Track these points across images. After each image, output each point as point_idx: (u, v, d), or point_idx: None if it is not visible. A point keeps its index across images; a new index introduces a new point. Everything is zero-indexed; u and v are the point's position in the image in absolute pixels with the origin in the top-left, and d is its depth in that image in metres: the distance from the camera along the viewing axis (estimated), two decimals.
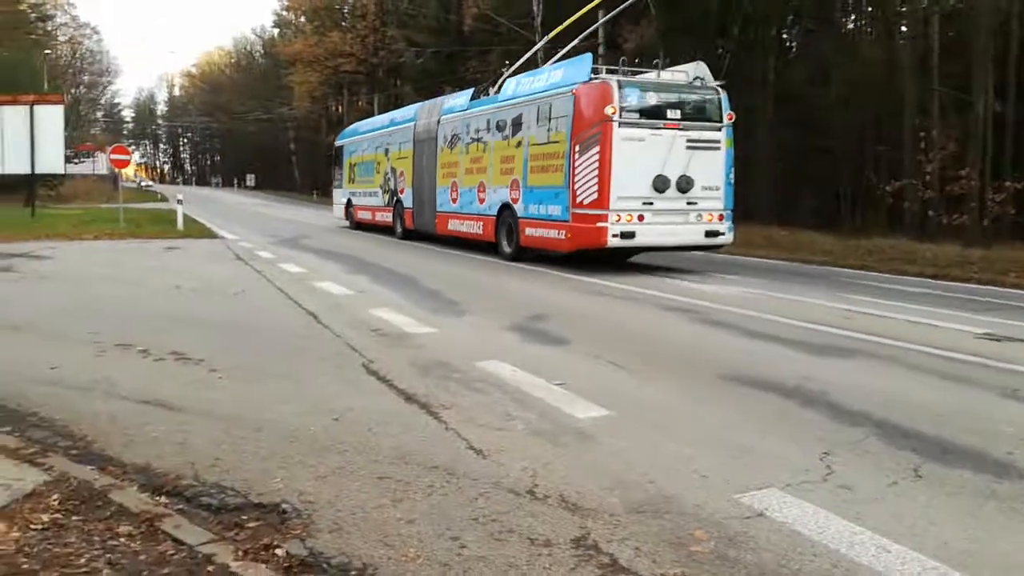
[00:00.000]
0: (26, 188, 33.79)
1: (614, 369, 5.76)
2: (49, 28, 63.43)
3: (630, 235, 11.94)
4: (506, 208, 14.22)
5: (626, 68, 12.63)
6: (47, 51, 59.62)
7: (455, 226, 16.51)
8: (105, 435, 4.19)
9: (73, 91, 65.98)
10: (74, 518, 3.13)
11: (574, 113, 12.25)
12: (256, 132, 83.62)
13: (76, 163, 47.30)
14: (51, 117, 24.04)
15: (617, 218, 11.80)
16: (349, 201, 24.17)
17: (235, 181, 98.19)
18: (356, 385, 5.28)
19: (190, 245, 16.84)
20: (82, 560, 2.78)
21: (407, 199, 19.12)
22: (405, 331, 7.17)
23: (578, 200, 12.09)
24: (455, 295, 9.57)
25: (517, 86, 14.91)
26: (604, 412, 4.60)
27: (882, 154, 23.13)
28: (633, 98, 11.86)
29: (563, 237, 12.58)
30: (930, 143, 19.52)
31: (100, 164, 57.73)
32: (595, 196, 11.83)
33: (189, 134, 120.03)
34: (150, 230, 20.10)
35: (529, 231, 13.52)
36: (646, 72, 12.95)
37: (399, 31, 46.11)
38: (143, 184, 78.11)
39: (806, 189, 27.29)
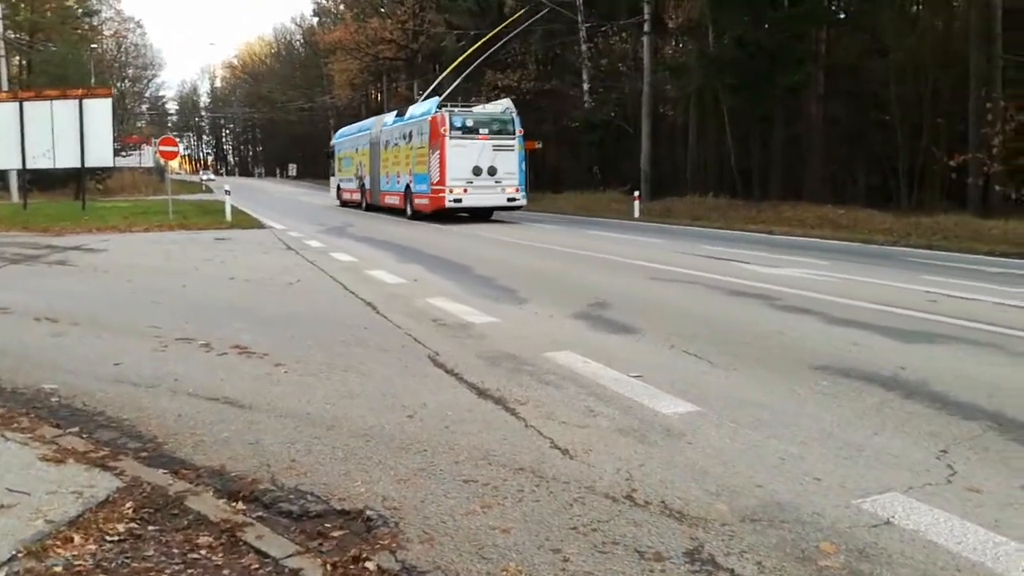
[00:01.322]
0: (75, 181, 34.47)
1: (693, 360, 5.46)
2: (95, 23, 64.50)
3: (459, 200, 20.46)
4: (407, 187, 22.69)
5: (460, 105, 22.04)
6: (93, 46, 60.67)
7: (388, 200, 24.76)
8: (174, 436, 4.05)
9: (119, 85, 67.17)
10: (151, 528, 2.97)
11: (429, 131, 20.94)
12: (297, 121, 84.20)
13: (123, 156, 48.08)
14: (100, 110, 24.27)
15: (451, 191, 20.29)
16: (338, 186, 31.79)
17: (277, 171, 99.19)
18: (424, 379, 5.08)
19: (240, 236, 16.86)
20: None
21: (367, 183, 27.16)
22: (466, 321, 6.96)
23: (432, 181, 20.58)
24: (511, 283, 9.34)
25: (412, 112, 24.01)
26: (691, 407, 4.33)
27: (942, 127, 22.18)
28: (458, 122, 20.50)
29: (427, 203, 21.06)
30: (996, 114, 18.62)
31: (146, 157, 58.65)
32: (439, 179, 20.34)
33: (231, 125, 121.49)
34: (199, 221, 20.22)
35: (416, 200, 22.08)
36: (472, 106, 22.64)
37: (439, 15, 45.77)
38: (205, 178, 75.42)
39: (860, 165, 26.43)
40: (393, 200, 24.05)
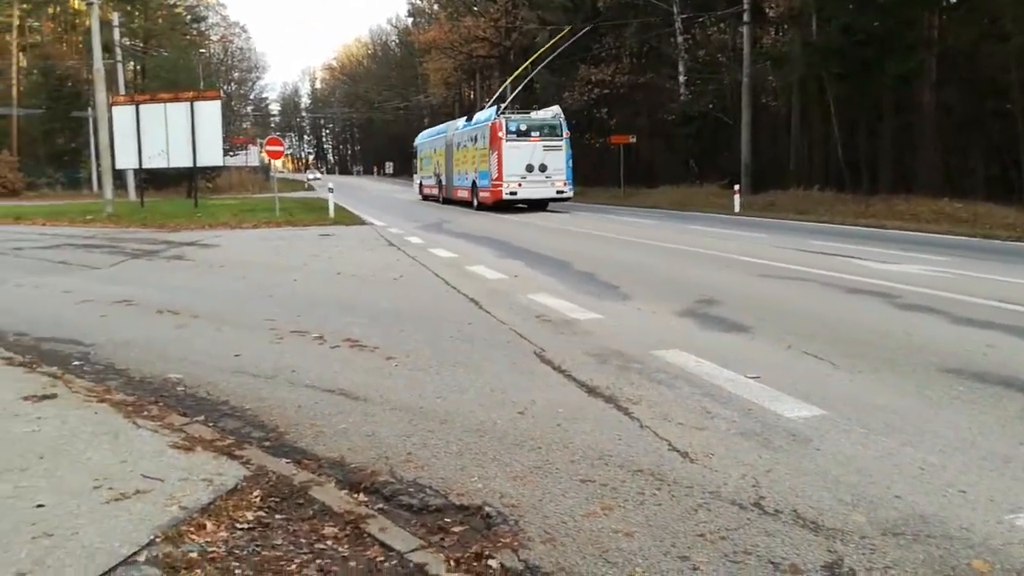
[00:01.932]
0: (187, 180, 36.23)
1: (814, 361, 5.22)
2: (203, 28, 67.67)
3: (514, 193, 23.66)
4: (473, 183, 26.00)
5: (516, 112, 25.15)
6: (202, 50, 63.70)
7: (459, 194, 27.92)
8: (295, 426, 4.15)
9: (225, 87, 70.19)
10: (278, 516, 3.04)
11: (490, 135, 24.14)
12: (393, 120, 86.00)
13: (231, 156, 50.17)
14: (210, 112, 25.44)
15: (507, 185, 23.53)
16: (420, 182, 35.35)
17: (374, 169, 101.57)
18: (532, 375, 5.04)
19: (343, 232, 17.32)
20: (293, 566, 2.66)
21: (443, 180, 30.41)
22: (569, 317, 6.90)
23: (492, 177, 23.88)
24: (613, 279, 9.21)
25: (477, 118, 27.45)
26: (816, 411, 4.13)
27: None
28: (513, 127, 23.79)
29: (489, 196, 24.34)
30: None
31: (252, 156, 61.11)
32: (497, 175, 23.64)
33: (331, 125, 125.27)
34: (304, 218, 20.89)
35: (480, 194, 25.25)
36: (527, 112, 25.63)
37: (531, 12, 45.79)
38: (311, 178, 77.78)
39: (977, 156, 24.86)
40: (463, 194, 27.23)
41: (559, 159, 23.69)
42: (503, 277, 9.62)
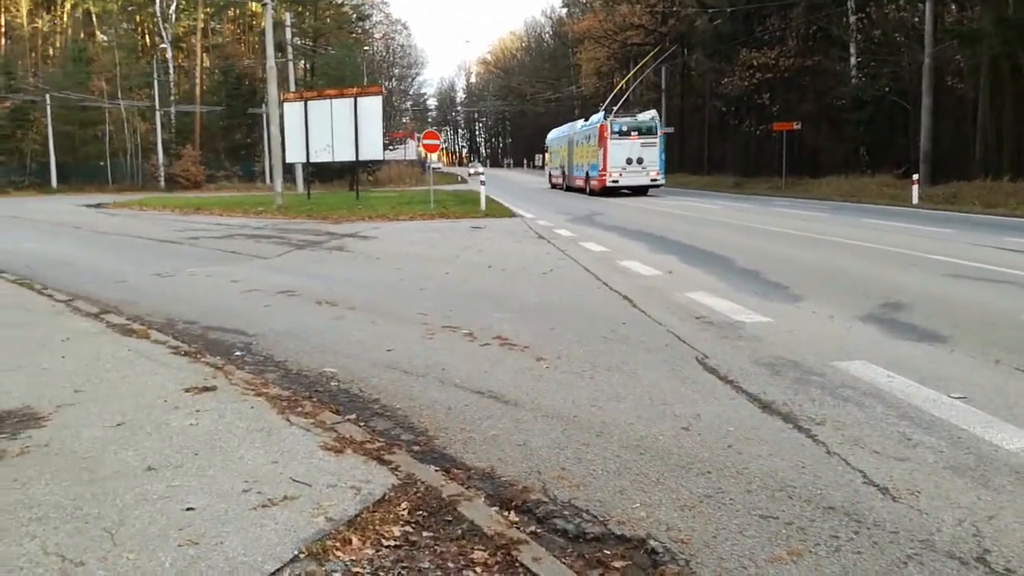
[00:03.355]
0: (350, 173, 37.91)
1: None
2: (367, 27, 70.64)
3: (616, 181, 28.33)
4: (587, 173, 30.88)
5: (619, 115, 29.26)
6: (366, 48, 66.51)
7: (576, 182, 33.17)
8: (444, 430, 3.97)
9: (386, 84, 72.98)
10: (425, 534, 2.83)
11: (598, 134, 28.87)
12: (544, 112, 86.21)
13: (391, 150, 52.08)
14: (372, 108, 26.35)
15: (611, 175, 28.24)
16: (550, 173, 41.85)
17: (524, 161, 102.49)
18: (695, 385, 4.62)
19: (493, 224, 17.36)
20: None
21: (567, 171, 35.90)
22: (733, 319, 6.38)
23: (599, 169, 28.60)
24: (780, 277, 8.52)
25: (591, 120, 32.30)
26: None
27: None
28: (616, 128, 28.43)
29: (597, 184, 29.05)
30: None
31: (410, 150, 63.18)
32: (603, 167, 28.37)
33: (484, 119, 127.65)
34: (457, 211, 21.17)
35: (591, 182, 29.97)
36: (628, 115, 29.41)
37: None
38: (473, 172, 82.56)
39: None
40: (579, 182, 32.41)
41: (653, 153, 28.51)
42: (657, 273, 9.16)
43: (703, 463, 3.43)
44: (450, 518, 2.95)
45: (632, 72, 36.88)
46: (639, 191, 29.02)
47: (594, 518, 2.97)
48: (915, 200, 21.99)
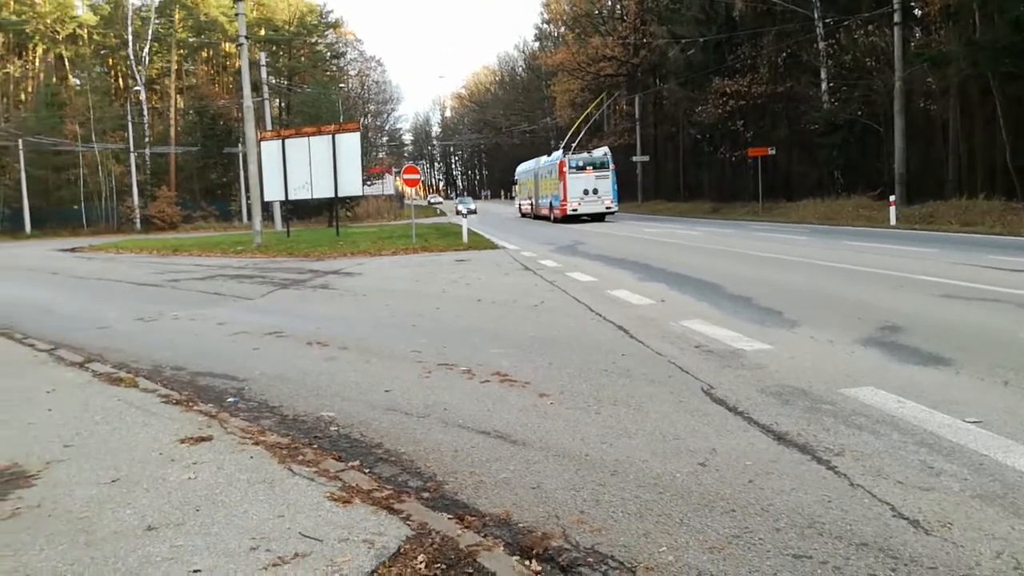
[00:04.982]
0: (328, 209, 37.79)
1: None
2: (342, 64, 71.02)
3: (576, 210, 32.25)
4: (551, 203, 34.91)
5: (576, 152, 34.22)
6: (341, 85, 66.72)
7: (542, 211, 37.25)
8: (453, 474, 3.83)
9: (362, 120, 73.22)
10: None
11: (558, 169, 33.11)
12: (520, 144, 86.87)
13: (368, 185, 52.07)
14: (350, 144, 26.34)
15: (571, 204, 32.25)
16: (519, 204, 46.56)
17: (501, 192, 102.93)
18: (705, 417, 4.53)
19: (477, 257, 17.28)
20: None
21: (534, 201, 40.36)
22: (733, 347, 6.31)
23: (561, 199, 32.70)
24: (773, 302, 8.50)
25: (553, 156, 36.70)
26: None
27: None
28: (574, 163, 32.73)
29: (560, 212, 33.03)
30: None
31: (387, 185, 63.21)
32: (563, 197, 32.51)
33: (459, 151, 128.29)
34: (439, 244, 21.09)
35: (555, 211, 33.91)
36: (584, 152, 34.50)
37: (661, 27, 45.05)
38: (431, 200, 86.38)
39: None
40: (545, 211, 36.74)
41: (607, 185, 32.82)
42: (650, 302, 9.10)
43: (726, 501, 3.33)
44: (471, 570, 2.82)
45: (581, 117, 41.68)
46: (597, 217, 33.29)
47: (621, 564, 2.85)
48: (893, 221, 22.25)
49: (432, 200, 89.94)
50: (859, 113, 29.45)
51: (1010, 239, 16.61)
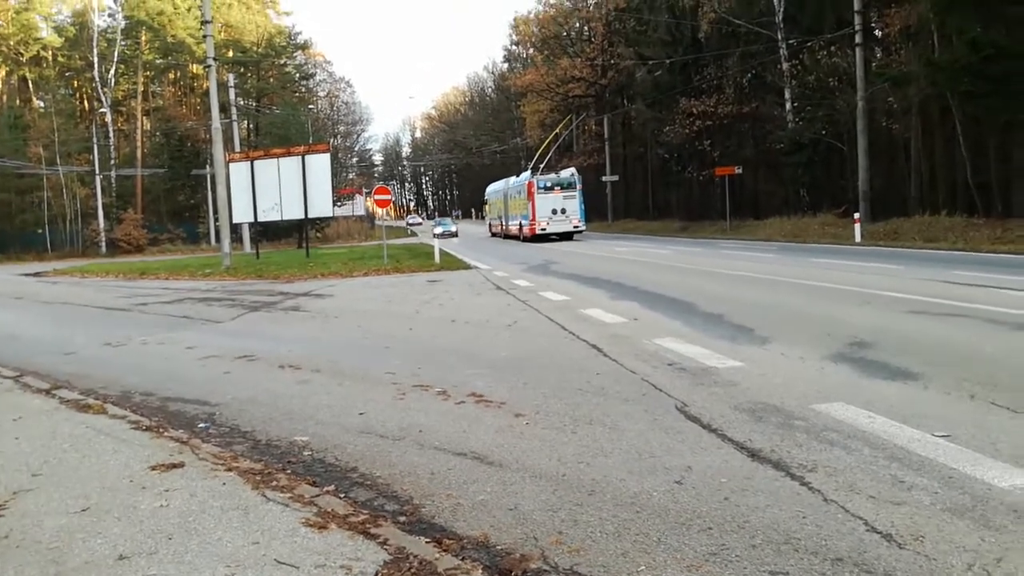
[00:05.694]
0: (298, 231, 37.55)
1: (1008, 414, 4.53)
2: (311, 85, 70.86)
3: (544, 229, 33.22)
4: (520, 222, 35.56)
5: (544, 173, 35.38)
6: (310, 106, 66.59)
7: (512, 230, 37.83)
8: (430, 497, 3.81)
9: (332, 140, 73.07)
10: None
11: (527, 189, 34.27)
12: (491, 164, 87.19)
13: (338, 206, 51.89)
14: (320, 165, 26.23)
15: (539, 223, 33.31)
16: (489, 223, 47.54)
17: (472, 212, 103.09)
18: (680, 435, 4.56)
19: (449, 277, 17.27)
20: None
21: (504, 221, 40.82)
22: (706, 365, 6.37)
23: (530, 219, 33.73)
24: (744, 320, 8.59)
25: (521, 177, 37.46)
26: None
27: None
28: (542, 184, 33.73)
29: (529, 231, 33.97)
30: None
31: (358, 206, 63.04)
32: (532, 217, 33.56)
33: (430, 172, 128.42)
34: (411, 264, 21.04)
35: (524, 230, 34.66)
36: (552, 173, 35.63)
37: (628, 48, 45.67)
38: (410, 221, 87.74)
39: None
40: (514, 230, 37.29)
41: (574, 204, 33.61)
42: (622, 320, 9.16)
43: (702, 519, 3.35)
44: None
45: (549, 138, 42.66)
46: (565, 236, 33.98)
47: None
48: (858, 238, 22.66)
49: (411, 221, 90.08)
50: (823, 132, 30.02)
51: (972, 255, 16.98)
